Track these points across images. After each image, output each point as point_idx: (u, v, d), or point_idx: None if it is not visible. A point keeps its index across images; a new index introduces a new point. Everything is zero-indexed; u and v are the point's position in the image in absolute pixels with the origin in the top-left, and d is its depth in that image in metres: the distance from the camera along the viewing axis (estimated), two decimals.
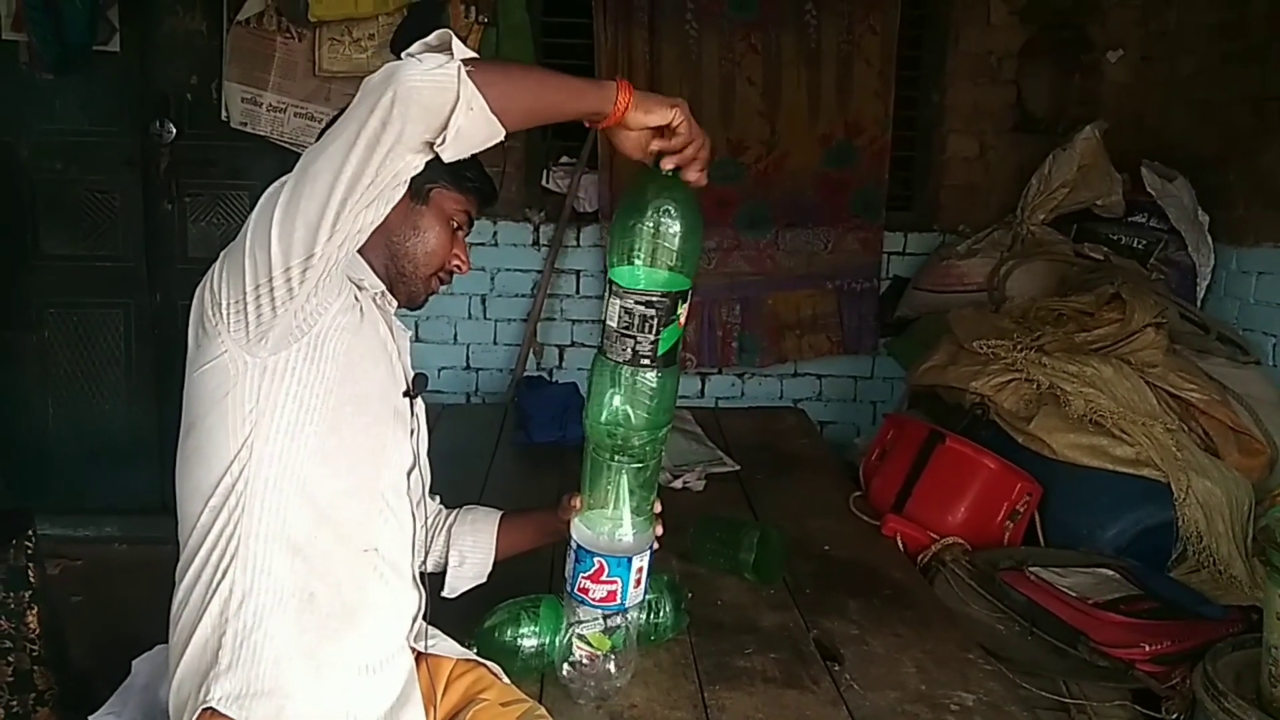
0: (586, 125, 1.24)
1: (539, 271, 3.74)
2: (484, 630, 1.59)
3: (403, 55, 1.10)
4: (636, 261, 1.32)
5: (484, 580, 1.63)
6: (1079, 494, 2.48)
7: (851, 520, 2.50)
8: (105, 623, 2.82)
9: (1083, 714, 1.91)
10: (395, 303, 1.41)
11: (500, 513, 1.65)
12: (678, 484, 2.57)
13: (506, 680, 1.45)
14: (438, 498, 1.64)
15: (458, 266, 1.42)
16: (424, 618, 1.39)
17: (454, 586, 1.61)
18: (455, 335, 3.78)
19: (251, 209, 1.13)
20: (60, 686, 2.01)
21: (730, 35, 3.58)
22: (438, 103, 1.07)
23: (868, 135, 3.67)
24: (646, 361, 1.34)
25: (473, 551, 1.60)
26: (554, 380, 3.68)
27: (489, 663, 1.46)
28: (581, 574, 1.46)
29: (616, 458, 1.43)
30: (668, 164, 1.25)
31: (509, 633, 1.58)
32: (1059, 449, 2.52)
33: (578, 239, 3.76)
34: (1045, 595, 2.13)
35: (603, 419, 1.40)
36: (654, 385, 1.38)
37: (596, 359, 1.40)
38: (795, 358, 3.81)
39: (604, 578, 1.45)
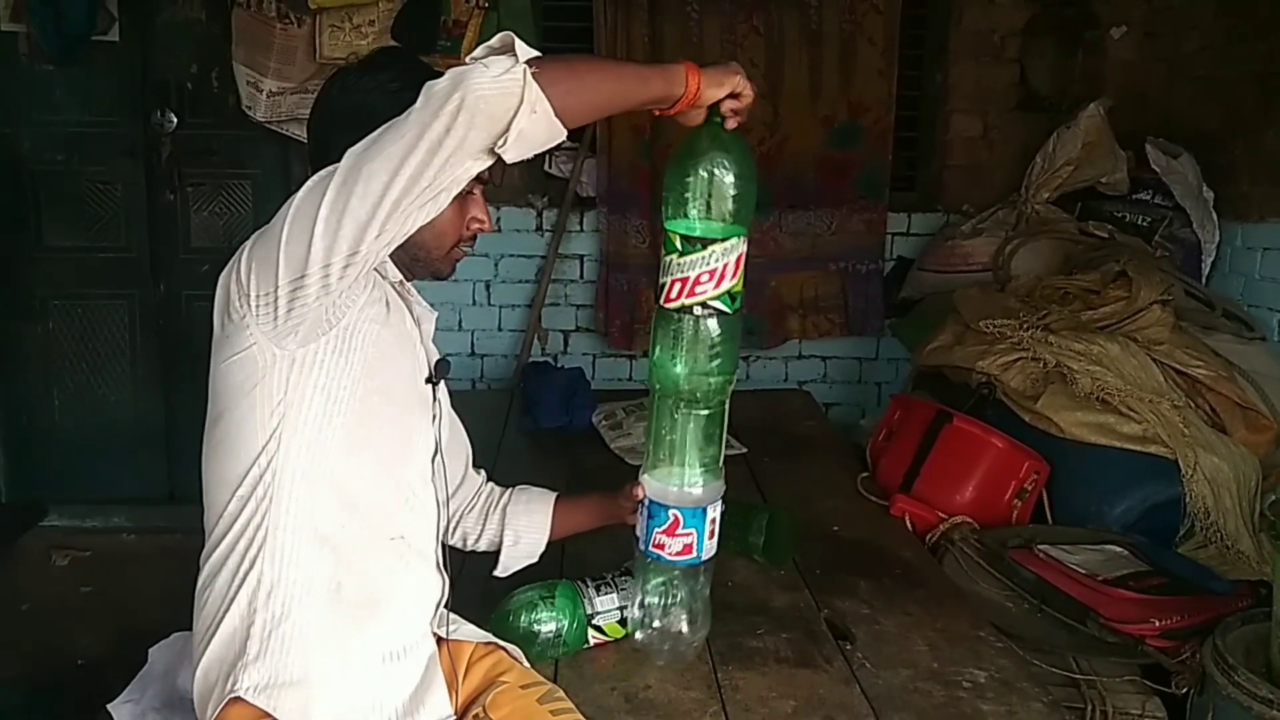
0: (656, 113, 1.27)
1: (543, 257, 3.73)
2: (500, 615, 1.59)
3: (468, 60, 1.10)
4: (693, 213, 1.35)
5: (535, 559, 1.65)
6: (1087, 471, 2.49)
7: (860, 501, 2.50)
8: (116, 613, 2.85)
9: (1093, 689, 1.91)
10: (413, 290, 1.39)
11: (555, 494, 1.67)
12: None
13: (526, 664, 1.46)
14: (483, 472, 1.65)
15: (479, 229, 1.37)
16: (446, 605, 1.39)
17: (507, 565, 1.64)
18: (460, 322, 3.78)
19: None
20: None
21: (731, 17, 3.56)
22: (502, 109, 1.07)
23: (871, 115, 3.65)
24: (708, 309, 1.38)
25: (528, 531, 1.63)
26: (559, 365, 3.68)
27: (509, 645, 1.46)
28: (656, 529, 1.47)
29: (683, 407, 1.44)
30: (731, 123, 1.32)
31: (524, 619, 1.58)
32: (1066, 427, 2.52)
33: (581, 224, 3.75)
34: (1054, 573, 2.13)
35: (668, 368, 1.41)
36: (717, 332, 1.40)
37: (658, 310, 1.42)
38: (799, 338, 3.81)
39: (679, 530, 1.47)
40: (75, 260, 3.52)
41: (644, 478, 1.51)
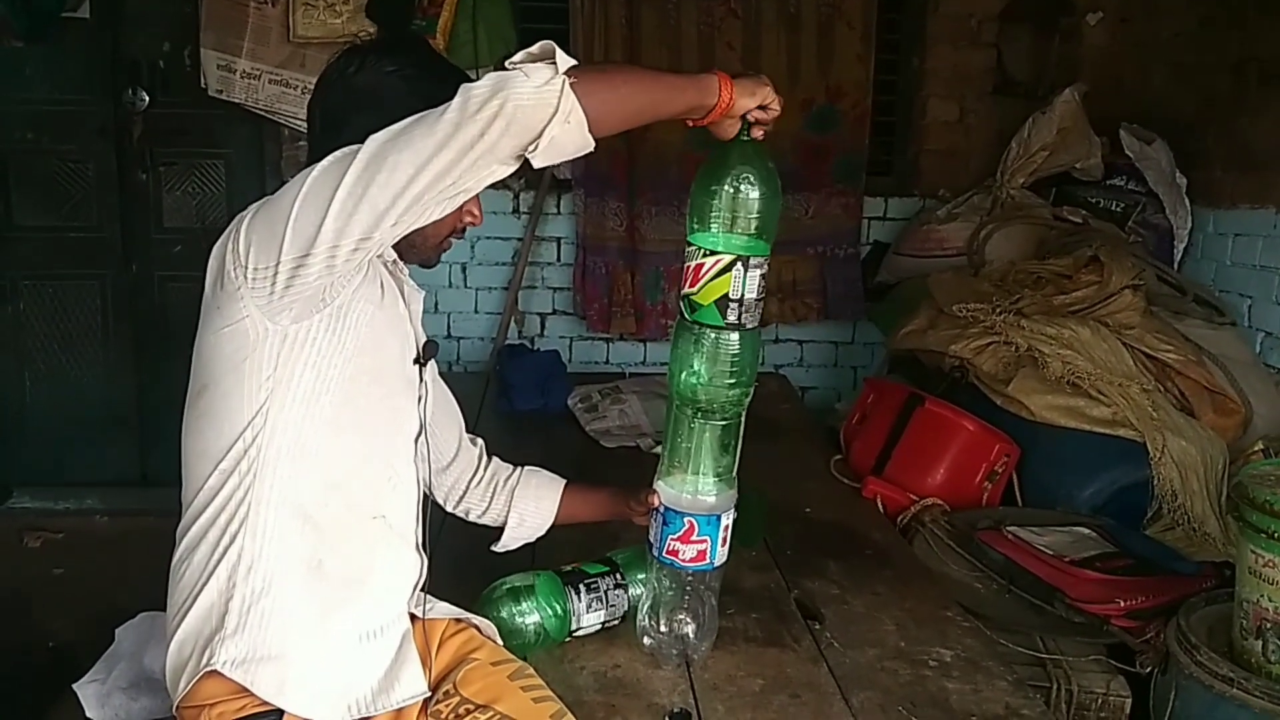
0: (690, 124, 1.29)
1: (519, 239, 3.72)
2: (480, 607, 1.57)
3: (507, 65, 1.10)
4: (716, 227, 1.37)
5: (533, 540, 1.68)
6: (1056, 454, 2.52)
7: (832, 483, 2.52)
8: (87, 594, 2.83)
9: (1059, 669, 1.94)
10: (405, 270, 1.39)
11: (564, 481, 1.68)
12: (659, 449, 2.57)
13: (498, 640, 1.47)
14: (480, 442, 1.66)
15: (470, 223, 1.38)
16: (423, 588, 1.39)
17: (507, 544, 1.66)
18: (436, 304, 3.76)
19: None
20: None
21: (709, 0, 3.55)
22: (538, 118, 1.09)
23: (849, 100, 3.65)
24: (729, 321, 1.40)
25: (534, 515, 1.65)
26: (536, 348, 3.68)
27: (480, 622, 1.47)
28: (670, 536, 1.49)
29: (700, 417, 1.46)
30: (758, 132, 1.35)
31: (505, 610, 1.57)
32: (1037, 410, 2.55)
33: (558, 206, 3.74)
34: (1022, 554, 2.16)
35: (687, 380, 1.43)
36: (736, 345, 1.42)
37: (679, 322, 1.44)
38: (777, 322, 3.82)
39: (694, 538, 1.48)
40: (46, 240, 3.48)
41: (659, 484, 1.52)
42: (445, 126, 1.08)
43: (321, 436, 1.22)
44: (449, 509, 1.65)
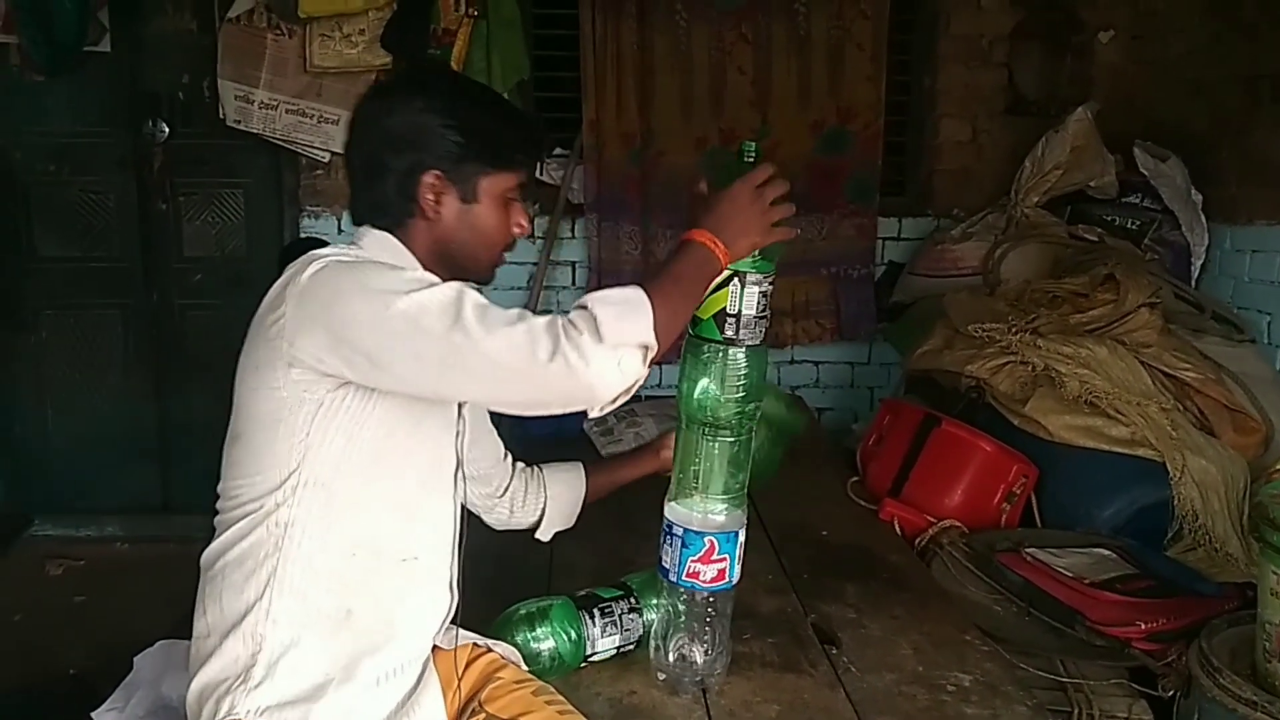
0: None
1: (534, 264, 3.74)
2: (496, 631, 1.57)
3: (599, 315, 1.13)
4: None
5: (570, 524, 1.74)
6: (1075, 475, 2.49)
7: (849, 505, 2.51)
8: (108, 622, 2.85)
9: (1079, 693, 1.92)
10: None
11: (580, 464, 1.75)
12: None
13: (523, 665, 1.48)
14: (507, 455, 1.69)
15: (519, 233, 1.39)
16: (454, 622, 1.39)
17: (546, 529, 1.72)
18: None
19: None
20: None
21: (720, 24, 3.57)
22: (612, 393, 1.15)
23: (860, 121, 3.66)
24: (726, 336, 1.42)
25: (567, 490, 1.71)
26: None
27: (503, 649, 1.48)
28: (690, 558, 1.49)
29: (707, 432, 1.47)
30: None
31: (520, 635, 1.57)
32: (1054, 430, 2.53)
33: (572, 231, 3.76)
34: (1042, 576, 2.14)
35: (695, 397, 1.45)
36: (743, 361, 1.43)
37: (687, 339, 1.46)
38: (791, 343, 3.82)
39: (714, 557, 1.49)
40: (68, 270, 3.53)
41: (670, 506, 1.52)
42: (532, 377, 1.12)
43: (352, 489, 1.22)
44: (488, 518, 1.67)
